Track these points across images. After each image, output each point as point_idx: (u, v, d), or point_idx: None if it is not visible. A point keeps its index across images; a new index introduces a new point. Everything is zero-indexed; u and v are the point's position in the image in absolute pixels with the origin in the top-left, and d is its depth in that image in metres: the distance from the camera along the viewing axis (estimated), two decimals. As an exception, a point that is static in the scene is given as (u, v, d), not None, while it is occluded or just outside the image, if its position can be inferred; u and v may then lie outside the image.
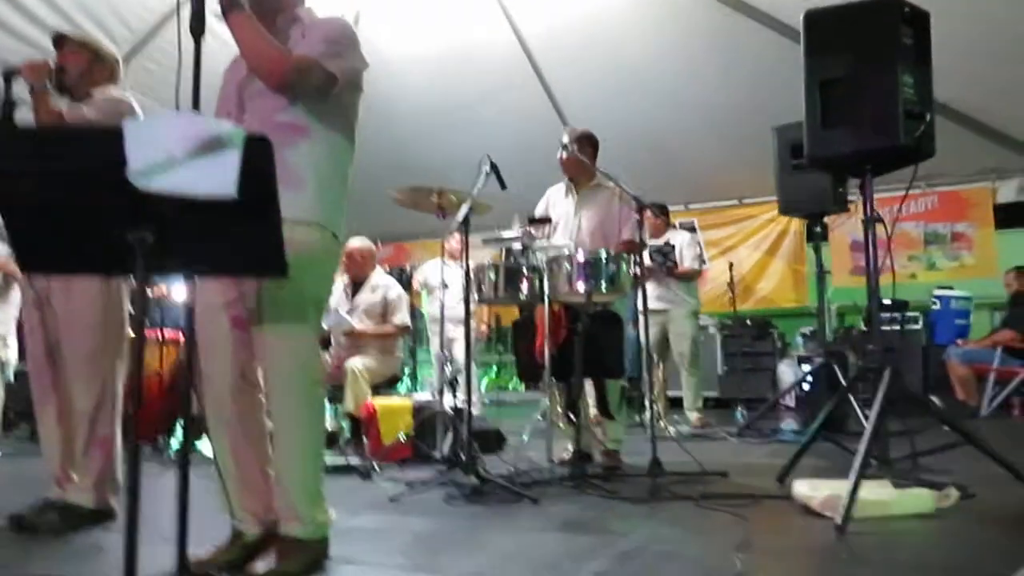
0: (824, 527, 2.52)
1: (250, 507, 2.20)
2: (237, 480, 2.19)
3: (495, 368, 8.96)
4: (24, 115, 2.94)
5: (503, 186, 3.58)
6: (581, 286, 3.60)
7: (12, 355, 5.55)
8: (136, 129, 1.42)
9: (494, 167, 3.55)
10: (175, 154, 1.42)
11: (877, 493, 2.67)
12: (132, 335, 2.79)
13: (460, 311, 5.95)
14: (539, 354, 3.86)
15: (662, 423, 5.70)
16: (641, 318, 5.61)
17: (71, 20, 5.64)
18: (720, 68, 6.52)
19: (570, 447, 4.04)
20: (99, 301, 2.75)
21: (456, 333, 5.75)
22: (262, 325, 2.10)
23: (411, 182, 4.04)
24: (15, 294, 5.63)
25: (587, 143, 4.23)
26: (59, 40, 2.93)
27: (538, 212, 4.20)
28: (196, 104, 1.96)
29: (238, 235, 1.55)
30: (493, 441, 4.49)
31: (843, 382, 4.68)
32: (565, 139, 4.16)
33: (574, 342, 3.71)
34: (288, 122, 2.18)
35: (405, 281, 6.39)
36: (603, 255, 3.61)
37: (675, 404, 6.33)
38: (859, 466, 2.57)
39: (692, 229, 7.78)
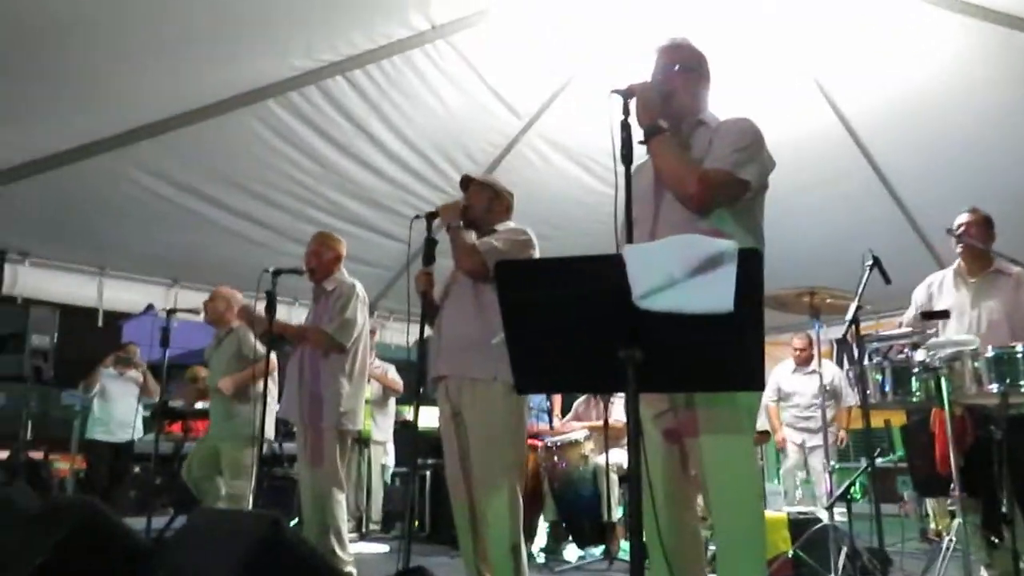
0: None
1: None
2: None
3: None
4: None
5: (887, 280, 3.32)
6: (994, 387, 3.16)
7: (391, 460, 6.21)
8: (637, 254, 1.51)
9: (876, 261, 3.31)
10: (675, 275, 1.47)
11: None
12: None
13: (813, 421, 5.69)
14: (941, 464, 3.43)
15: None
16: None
17: (427, 158, 6.41)
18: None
19: (985, 573, 3.48)
20: (513, 415, 2.94)
21: (813, 441, 5.39)
22: (698, 437, 2.08)
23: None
24: (392, 405, 6.35)
25: (986, 226, 3.82)
26: (466, 181, 3.32)
27: (918, 302, 3.84)
28: (629, 226, 2.07)
29: (723, 349, 1.56)
30: (881, 561, 4.02)
31: None
32: (964, 218, 3.80)
33: (984, 451, 3.25)
34: (704, 230, 2.17)
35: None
36: (1021, 350, 3.16)
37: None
38: None
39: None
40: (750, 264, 1.47)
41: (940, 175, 6.33)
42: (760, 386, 1.58)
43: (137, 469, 6.57)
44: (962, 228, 3.77)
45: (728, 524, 2.04)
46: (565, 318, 1.59)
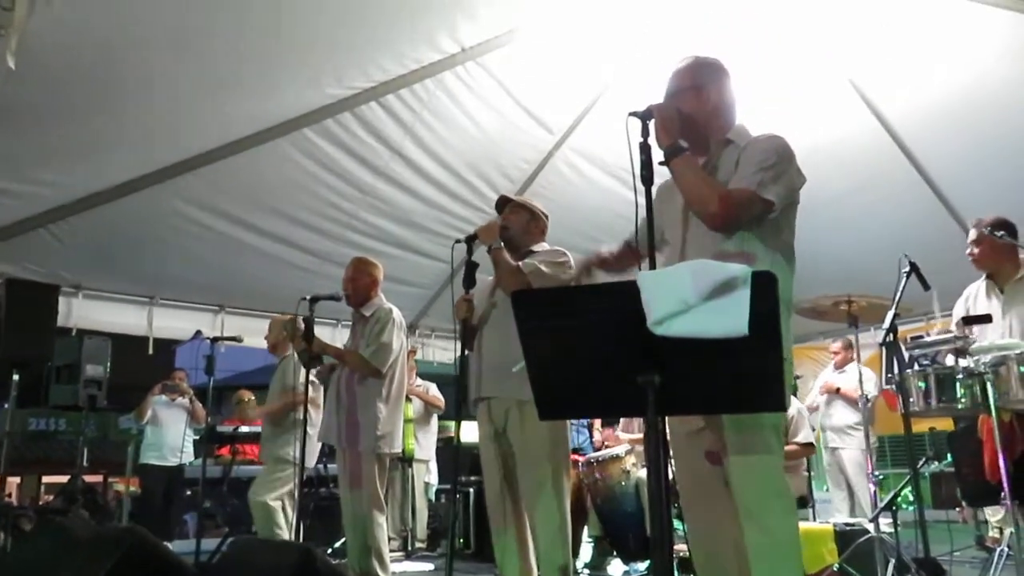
0: None
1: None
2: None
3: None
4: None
5: (926, 286, 3.26)
6: (1042, 391, 3.08)
7: (434, 478, 6.26)
8: (651, 280, 1.52)
9: (914, 267, 3.26)
10: (690, 300, 1.48)
11: None
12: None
13: (843, 421, 5.61)
14: (990, 472, 3.34)
15: None
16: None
17: (462, 178, 6.44)
18: None
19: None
20: (559, 434, 2.96)
21: (842, 444, 5.34)
22: (728, 457, 2.07)
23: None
24: (434, 423, 6.41)
25: (1003, 231, 3.72)
26: (502, 203, 3.35)
27: (958, 313, 3.75)
28: (651, 249, 2.07)
29: (741, 371, 1.56)
30: (930, 572, 3.91)
31: None
32: (973, 234, 3.72)
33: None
34: (731, 251, 2.16)
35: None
36: (1068, 353, 3.07)
37: None
38: None
39: None
40: (764, 287, 1.47)
41: (989, 174, 6.14)
42: (780, 407, 1.58)
43: (189, 492, 6.72)
44: (970, 255, 3.70)
45: (760, 545, 2.02)
46: (583, 345, 1.62)
